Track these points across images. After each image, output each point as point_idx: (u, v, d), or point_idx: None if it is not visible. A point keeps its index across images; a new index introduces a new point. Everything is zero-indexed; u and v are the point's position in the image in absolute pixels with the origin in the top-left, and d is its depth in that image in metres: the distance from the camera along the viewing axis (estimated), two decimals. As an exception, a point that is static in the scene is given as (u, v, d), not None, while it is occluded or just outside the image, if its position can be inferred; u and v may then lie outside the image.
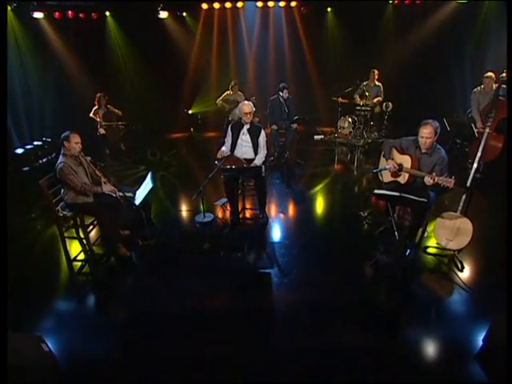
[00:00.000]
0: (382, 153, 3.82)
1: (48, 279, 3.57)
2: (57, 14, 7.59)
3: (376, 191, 3.31)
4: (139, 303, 3.19)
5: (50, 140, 7.28)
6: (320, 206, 5.00)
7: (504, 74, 5.01)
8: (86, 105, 6.87)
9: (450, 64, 6.95)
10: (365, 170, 6.20)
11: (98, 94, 6.69)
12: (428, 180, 3.20)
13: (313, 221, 4.61)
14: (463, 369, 2.49)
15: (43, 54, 7.19)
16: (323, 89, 8.31)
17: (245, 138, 4.43)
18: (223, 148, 4.46)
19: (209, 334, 2.82)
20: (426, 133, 3.32)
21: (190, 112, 9.14)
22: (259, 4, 8.10)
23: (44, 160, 7.11)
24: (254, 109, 4.39)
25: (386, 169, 3.51)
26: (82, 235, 4.02)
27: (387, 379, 2.43)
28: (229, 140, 4.50)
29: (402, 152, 3.61)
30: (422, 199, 3.09)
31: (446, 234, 3.44)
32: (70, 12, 7.69)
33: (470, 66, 6.69)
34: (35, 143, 7.05)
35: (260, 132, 4.43)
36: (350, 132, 7.42)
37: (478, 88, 5.57)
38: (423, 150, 3.46)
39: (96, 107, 6.71)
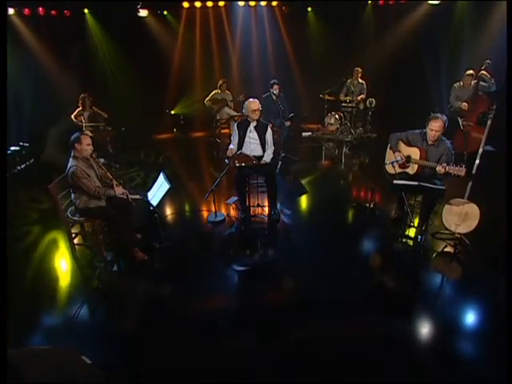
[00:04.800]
0: (389, 145, 4.00)
1: (63, 290, 3.39)
2: (26, 10, 7.17)
3: (395, 181, 3.47)
4: (164, 306, 3.13)
5: (27, 145, 6.85)
6: (324, 200, 5.10)
7: (484, 72, 5.47)
8: (67, 106, 6.53)
9: (427, 62, 7.37)
10: (352, 165, 6.48)
11: (82, 95, 6.38)
12: (440, 170, 3.41)
13: (322, 215, 4.68)
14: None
15: (17, 52, 6.71)
16: (307, 87, 8.48)
17: (252, 135, 4.45)
18: (231, 146, 4.43)
19: (228, 332, 2.81)
20: (436, 126, 3.53)
21: (173, 112, 8.97)
22: (241, 3, 8.11)
23: (22, 166, 6.69)
24: (260, 106, 4.42)
25: (397, 161, 3.70)
26: (93, 241, 3.86)
27: (400, 368, 2.49)
28: (235, 138, 4.49)
29: (409, 144, 3.82)
30: (441, 187, 3.30)
31: (455, 219, 3.67)
32: (40, 9, 7.29)
33: (446, 63, 7.15)
34: (12, 148, 6.58)
35: (267, 129, 4.46)
36: (337, 128, 7.65)
37: (459, 83, 5.99)
38: (430, 142, 3.67)
39: (80, 109, 6.40)
